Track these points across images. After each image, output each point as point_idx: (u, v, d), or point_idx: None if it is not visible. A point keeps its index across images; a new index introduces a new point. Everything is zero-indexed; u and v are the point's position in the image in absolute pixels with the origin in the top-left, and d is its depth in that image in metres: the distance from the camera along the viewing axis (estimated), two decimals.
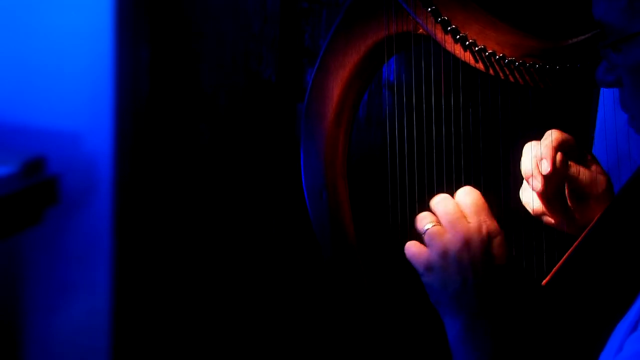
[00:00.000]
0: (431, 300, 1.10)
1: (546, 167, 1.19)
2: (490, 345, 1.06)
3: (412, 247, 1.11)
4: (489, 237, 1.08)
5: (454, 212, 1.10)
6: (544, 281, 1.17)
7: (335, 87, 1.22)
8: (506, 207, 1.28)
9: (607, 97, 1.62)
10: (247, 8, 2.13)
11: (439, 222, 1.10)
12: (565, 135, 1.22)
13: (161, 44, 2.15)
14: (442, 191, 1.16)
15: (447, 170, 1.22)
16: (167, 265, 2.21)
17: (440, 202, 1.11)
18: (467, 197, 1.11)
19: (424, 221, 1.11)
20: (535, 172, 1.21)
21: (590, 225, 1.17)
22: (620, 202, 1.17)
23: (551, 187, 1.22)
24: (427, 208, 1.15)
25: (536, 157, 1.21)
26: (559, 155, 1.20)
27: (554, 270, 1.17)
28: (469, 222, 1.09)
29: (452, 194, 1.15)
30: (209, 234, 2.20)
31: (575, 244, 1.17)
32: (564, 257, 1.17)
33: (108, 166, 2.11)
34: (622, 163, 1.45)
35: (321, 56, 1.21)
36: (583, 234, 1.17)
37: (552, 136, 1.20)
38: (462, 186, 1.16)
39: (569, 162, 1.22)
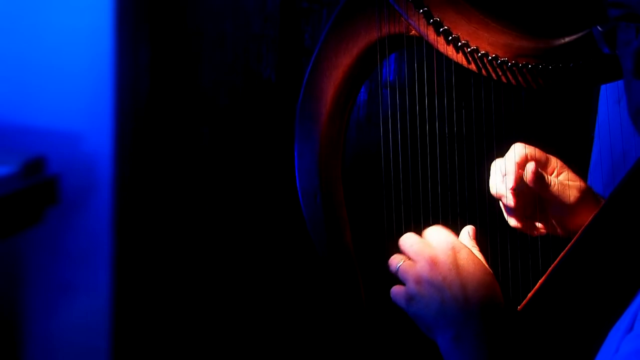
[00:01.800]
0: (423, 330, 1.13)
1: (510, 182, 1.23)
2: (480, 349, 1.07)
3: (393, 290, 1.15)
4: (454, 252, 1.11)
5: (418, 242, 1.14)
6: (538, 284, 1.17)
7: (329, 88, 1.21)
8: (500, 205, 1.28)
9: (607, 97, 1.61)
10: (247, 8, 2.13)
11: (408, 258, 1.14)
12: (529, 149, 1.23)
13: (161, 44, 2.15)
14: (437, 190, 1.19)
15: (442, 169, 1.22)
16: (167, 265, 2.21)
17: (404, 239, 1.16)
18: (430, 230, 1.15)
19: (393, 262, 1.15)
20: (503, 191, 1.23)
21: (583, 227, 1.17)
22: (614, 204, 1.17)
23: (522, 203, 1.25)
24: (424, 208, 1.17)
25: (501, 171, 1.24)
26: (527, 169, 1.23)
27: (547, 273, 1.17)
28: (433, 246, 1.13)
29: (447, 192, 1.17)
30: (208, 234, 2.20)
31: (568, 246, 1.17)
32: (557, 259, 1.17)
33: (108, 166, 2.12)
34: (621, 163, 1.44)
35: (314, 57, 1.21)
36: (575, 237, 1.17)
37: (514, 150, 1.23)
38: (456, 185, 1.18)
39: (536, 174, 1.23)
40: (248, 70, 2.14)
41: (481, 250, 1.17)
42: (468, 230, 1.18)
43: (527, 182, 1.22)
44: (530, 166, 1.22)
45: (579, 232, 1.17)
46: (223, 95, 2.16)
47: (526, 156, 1.23)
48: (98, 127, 2.11)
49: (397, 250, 1.17)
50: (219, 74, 2.16)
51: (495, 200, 1.27)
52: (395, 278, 1.15)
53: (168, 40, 2.15)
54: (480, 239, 1.19)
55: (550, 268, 1.17)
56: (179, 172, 2.19)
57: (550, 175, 1.25)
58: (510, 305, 1.13)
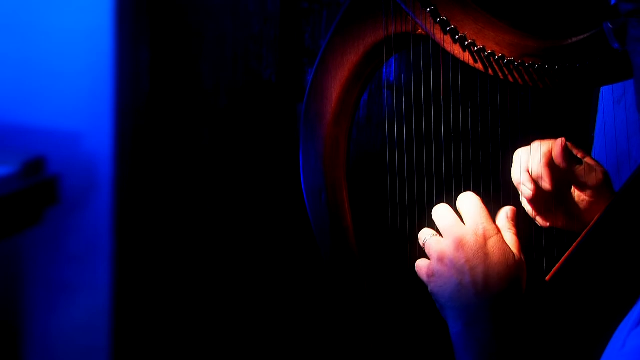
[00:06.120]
0: (437, 307, 1.13)
1: (547, 185, 1.24)
2: (490, 341, 1.07)
3: (417, 262, 1.15)
4: (484, 238, 1.11)
5: (449, 218, 1.13)
6: (547, 277, 1.17)
7: (335, 88, 1.21)
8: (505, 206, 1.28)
9: (607, 97, 1.62)
10: (247, 8, 2.13)
11: (438, 233, 1.14)
12: (552, 145, 1.24)
13: (161, 44, 2.15)
14: (441, 190, 1.18)
15: (447, 169, 1.22)
16: (167, 265, 2.21)
17: (437, 210, 1.15)
18: (465, 202, 1.14)
19: (422, 235, 1.15)
20: (525, 179, 1.23)
21: (592, 223, 1.17)
22: (622, 200, 1.18)
23: (545, 192, 1.24)
24: (427, 208, 1.17)
25: (526, 165, 1.24)
26: (557, 143, 1.23)
27: (555, 267, 1.17)
28: (464, 225, 1.12)
29: (451, 193, 1.17)
30: (208, 234, 2.20)
31: (577, 241, 1.17)
32: (566, 254, 1.17)
33: (108, 166, 2.11)
34: (622, 162, 1.45)
35: (320, 56, 1.21)
36: (584, 231, 1.18)
37: (541, 150, 1.23)
38: (461, 185, 1.18)
39: (563, 164, 1.23)
40: (248, 70, 2.14)
41: (518, 234, 1.15)
42: (507, 211, 1.16)
43: (556, 156, 1.22)
44: (560, 141, 1.22)
45: (587, 228, 1.17)
46: (223, 96, 2.16)
47: (551, 151, 1.24)
48: (98, 127, 2.10)
49: (403, 252, 1.17)
50: (219, 74, 2.16)
51: (499, 200, 1.27)
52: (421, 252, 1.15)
53: (168, 40, 2.15)
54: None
55: (558, 264, 1.18)
56: (179, 172, 2.19)
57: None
58: (529, 297, 1.13)
